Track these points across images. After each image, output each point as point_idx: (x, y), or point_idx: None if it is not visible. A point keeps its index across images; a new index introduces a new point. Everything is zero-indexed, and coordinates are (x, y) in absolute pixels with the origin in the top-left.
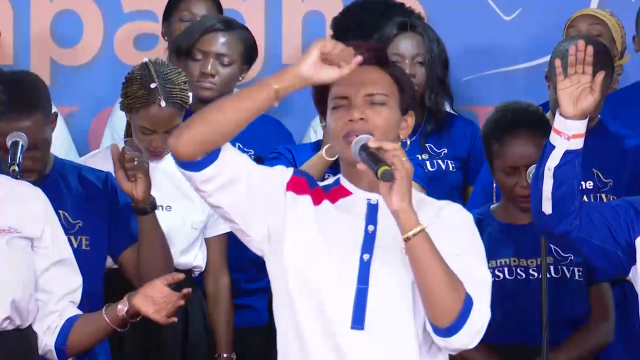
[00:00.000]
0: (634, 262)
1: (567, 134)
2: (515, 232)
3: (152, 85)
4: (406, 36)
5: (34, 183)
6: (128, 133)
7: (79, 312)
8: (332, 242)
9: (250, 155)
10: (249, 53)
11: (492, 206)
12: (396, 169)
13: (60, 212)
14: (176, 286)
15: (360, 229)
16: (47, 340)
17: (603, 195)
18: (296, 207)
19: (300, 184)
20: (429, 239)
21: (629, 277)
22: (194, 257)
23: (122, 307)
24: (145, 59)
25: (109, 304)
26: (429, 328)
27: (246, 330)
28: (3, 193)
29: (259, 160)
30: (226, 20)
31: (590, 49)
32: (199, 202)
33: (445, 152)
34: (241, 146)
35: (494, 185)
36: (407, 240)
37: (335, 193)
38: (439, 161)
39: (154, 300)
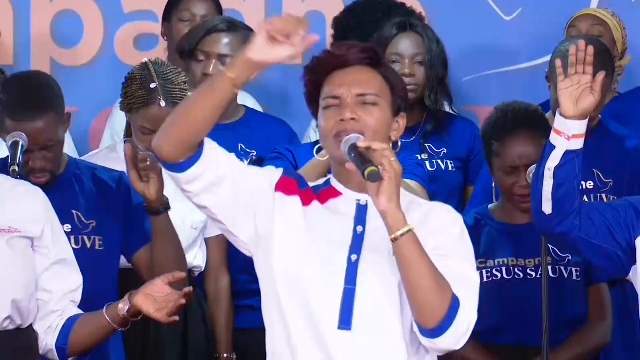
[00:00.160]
0: (634, 262)
1: (568, 134)
2: (513, 232)
3: (152, 85)
4: (406, 36)
5: (47, 183)
6: (128, 133)
7: (80, 311)
8: (321, 242)
9: (252, 157)
10: None
11: (490, 206)
12: (384, 170)
13: (74, 212)
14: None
15: (349, 229)
16: (48, 340)
17: (603, 196)
18: (285, 208)
19: (290, 185)
20: (417, 240)
21: (629, 277)
22: (193, 257)
23: (123, 306)
24: (145, 59)
25: (110, 303)
26: (416, 329)
27: (246, 330)
28: (3, 193)
29: (260, 160)
30: (229, 21)
31: (590, 49)
32: None
33: (445, 152)
34: (243, 147)
35: (493, 184)
36: (394, 240)
37: (325, 194)
38: (439, 161)
39: (155, 299)
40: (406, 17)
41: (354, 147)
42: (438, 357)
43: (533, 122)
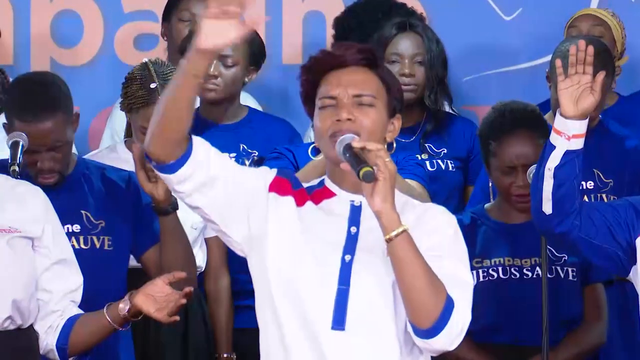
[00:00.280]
0: (634, 262)
1: (568, 134)
2: (509, 232)
3: (152, 85)
4: (405, 36)
5: (56, 184)
6: (128, 133)
7: (80, 311)
8: (314, 242)
9: (253, 157)
10: (255, 54)
11: (486, 205)
12: (379, 170)
13: (83, 212)
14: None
15: (342, 230)
16: (48, 340)
17: (604, 195)
18: (279, 208)
19: (283, 185)
20: (411, 240)
21: (629, 277)
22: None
23: (123, 306)
24: (145, 59)
25: (110, 302)
26: (410, 329)
27: (246, 330)
28: (3, 193)
29: (261, 160)
30: None
31: (590, 49)
32: None
33: (445, 152)
34: (245, 147)
35: (490, 184)
36: (389, 241)
37: (319, 194)
38: (439, 161)
39: (156, 299)
40: (406, 17)
41: (348, 147)
42: (432, 357)
43: (531, 122)
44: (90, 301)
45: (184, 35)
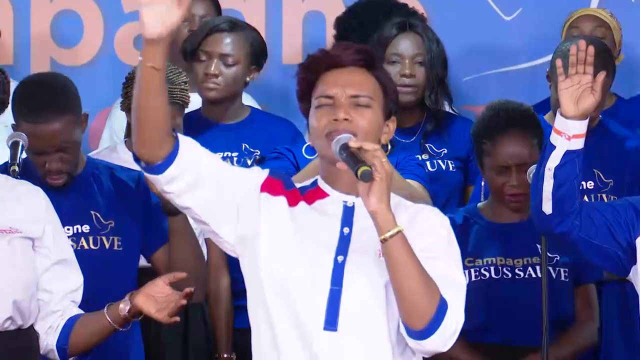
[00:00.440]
0: (634, 262)
1: (568, 134)
2: (502, 231)
3: None
4: (405, 36)
5: (64, 185)
6: (128, 133)
7: (81, 311)
8: (307, 243)
9: (255, 156)
10: (257, 54)
11: (479, 204)
12: (376, 170)
13: (92, 212)
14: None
15: (335, 230)
16: (48, 340)
17: (604, 196)
18: (271, 208)
19: (275, 185)
20: (406, 241)
21: (629, 277)
22: None
23: (123, 307)
24: None
25: (111, 303)
26: (403, 330)
27: (246, 330)
28: (3, 193)
29: (263, 160)
30: (232, 21)
31: (591, 49)
32: None
33: (445, 152)
34: (247, 147)
35: (482, 183)
36: (384, 241)
37: (312, 194)
38: (439, 161)
39: (156, 299)
40: (407, 17)
41: (345, 147)
42: (424, 358)
43: (525, 121)
44: (100, 302)
45: (184, 35)
